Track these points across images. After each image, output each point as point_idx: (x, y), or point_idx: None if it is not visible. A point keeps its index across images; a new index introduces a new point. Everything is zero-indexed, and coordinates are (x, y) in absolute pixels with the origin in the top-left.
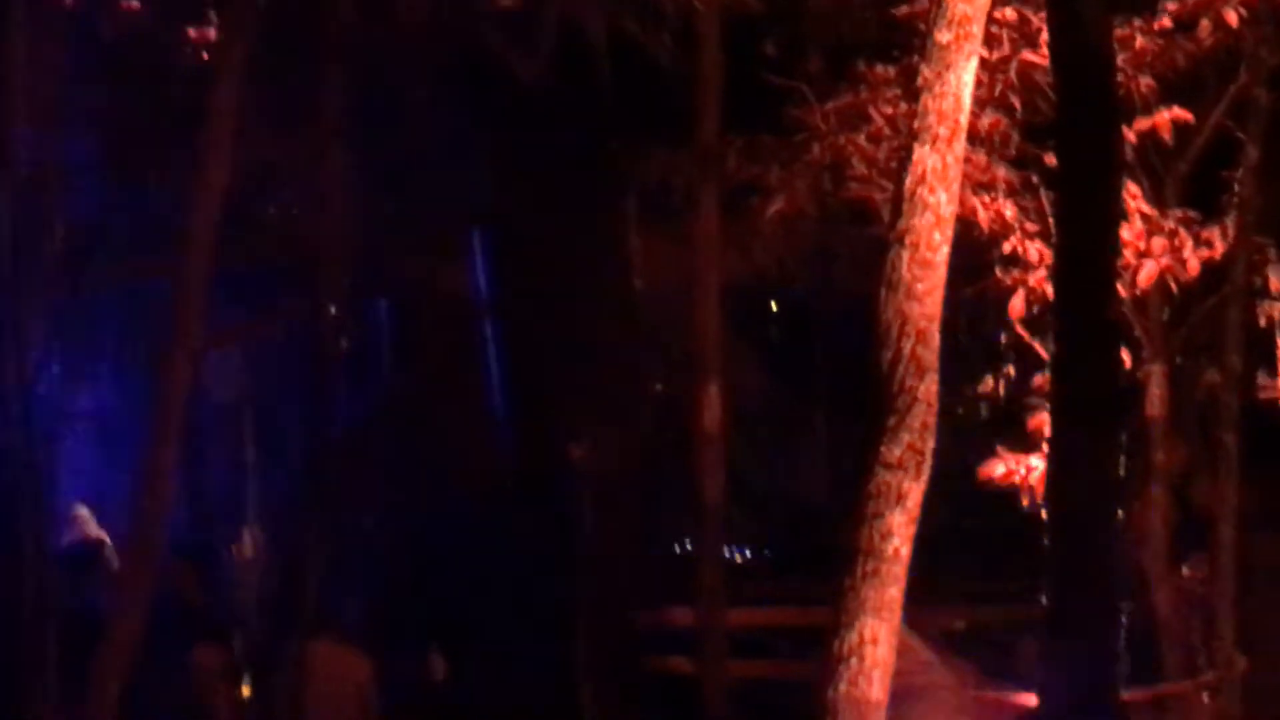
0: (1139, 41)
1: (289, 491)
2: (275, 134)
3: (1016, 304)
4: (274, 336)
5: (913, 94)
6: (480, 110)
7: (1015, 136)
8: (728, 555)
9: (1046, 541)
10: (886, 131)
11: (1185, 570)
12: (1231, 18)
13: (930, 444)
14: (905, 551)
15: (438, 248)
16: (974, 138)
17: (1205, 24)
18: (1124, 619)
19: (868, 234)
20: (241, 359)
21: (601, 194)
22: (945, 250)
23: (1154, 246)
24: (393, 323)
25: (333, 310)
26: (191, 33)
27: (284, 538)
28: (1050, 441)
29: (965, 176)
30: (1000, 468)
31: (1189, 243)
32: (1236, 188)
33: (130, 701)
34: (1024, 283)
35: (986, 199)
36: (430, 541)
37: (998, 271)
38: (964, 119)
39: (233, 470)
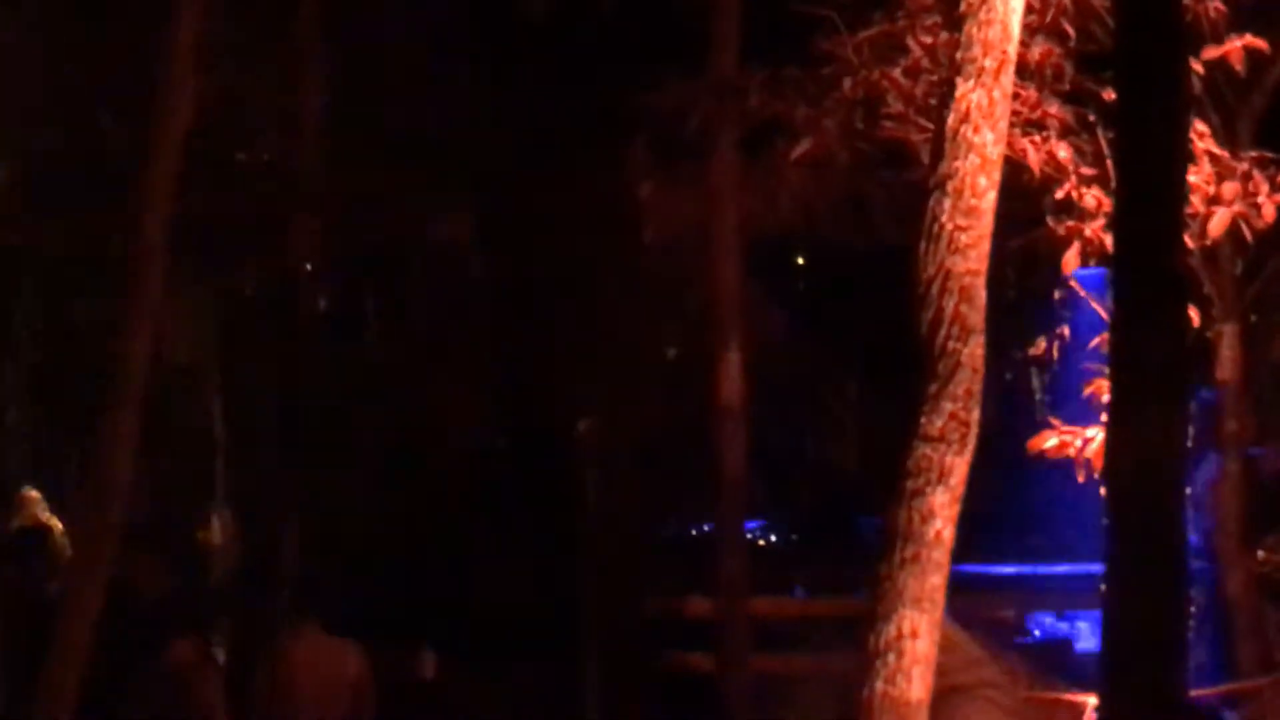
0: None
1: (261, 469)
2: (244, 67)
3: (1071, 257)
4: (243, 294)
5: (955, 22)
6: (472, 39)
7: (1069, 69)
8: (750, 538)
9: (1105, 521)
10: (926, 64)
11: (1261, 553)
12: None
13: (976, 414)
14: (948, 535)
15: (426, 195)
16: (1023, 70)
17: None
18: (1193, 608)
19: (905, 179)
20: (206, 319)
21: (606, 134)
22: (992, 197)
23: (1225, 191)
24: (376, 280)
25: (308, 266)
26: None
27: (257, 522)
28: (1110, 410)
29: (1014, 114)
30: (1053, 439)
31: (1264, 187)
32: None
33: (97, 709)
34: (1079, 233)
35: (1037, 139)
36: (420, 525)
37: (1050, 221)
38: (1012, 49)
39: (198, 445)
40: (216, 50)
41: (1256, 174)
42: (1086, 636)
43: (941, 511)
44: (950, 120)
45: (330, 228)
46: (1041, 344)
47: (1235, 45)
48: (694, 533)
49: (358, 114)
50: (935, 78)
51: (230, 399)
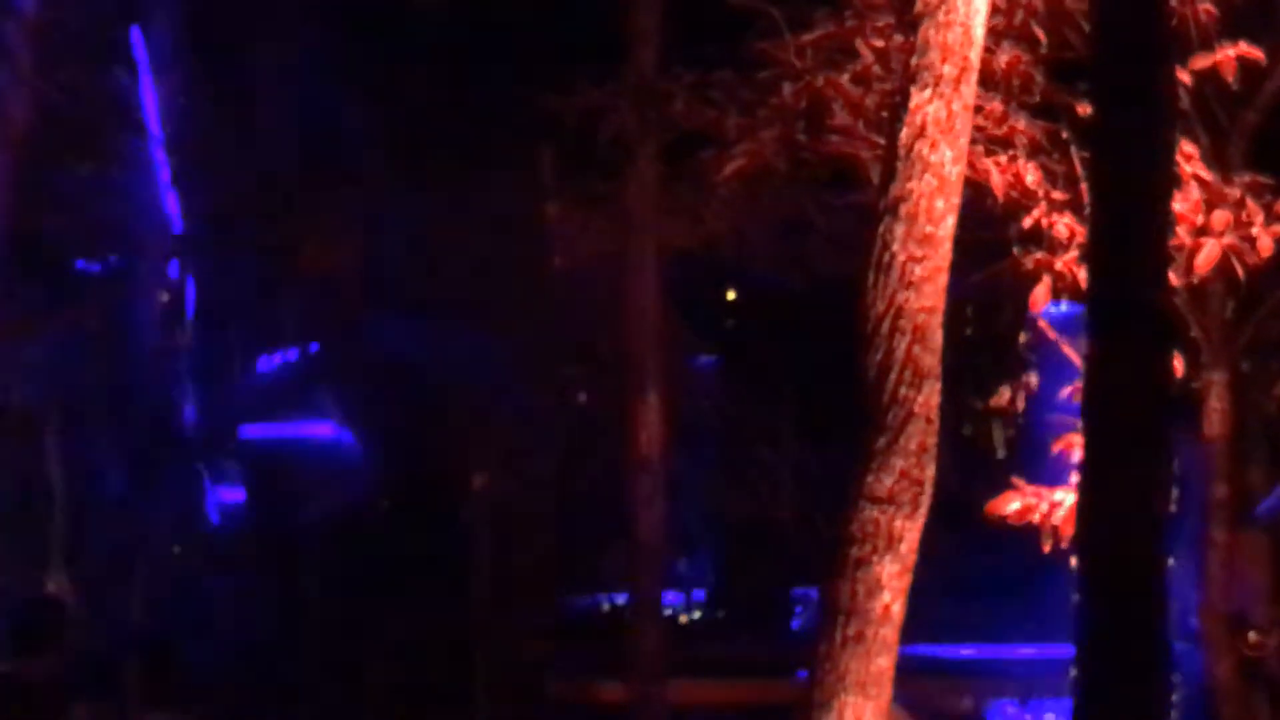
0: None
1: (108, 524)
2: (86, 64)
3: (1040, 294)
4: (86, 326)
5: (910, 24)
6: (355, 37)
7: (1040, 79)
8: (669, 612)
9: (1076, 597)
10: (877, 70)
11: (1252, 636)
12: None
13: (930, 471)
14: (898, 609)
15: (304, 212)
16: (987, 80)
17: None
18: (1175, 696)
19: (852, 201)
20: (43, 353)
21: (509, 145)
22: (950, 223)
23: (1215, 221)
24: (246, 305)
25: (165, 296)
26: None
27: (103, 584)
28: (1082, 470)
29: (976, 129)
30: (1016, 503)
31: (1259, 216)
32: None
33: None
34: (1050, 266)
35: (1003, 159)
36: (290, 591)
37: (1016, 252)
38: (975, 56)
39: (32, 495)
40: (60, 50)
41: (1250, 202)
42: None
43: (890, 583)
44: (904, 135)
45: (192, 247)
46: (1005, 393)
47: (1227, 54)
48: (605, 605)
49: (222, 116)
50: (888, 86)
51: (69, 441)
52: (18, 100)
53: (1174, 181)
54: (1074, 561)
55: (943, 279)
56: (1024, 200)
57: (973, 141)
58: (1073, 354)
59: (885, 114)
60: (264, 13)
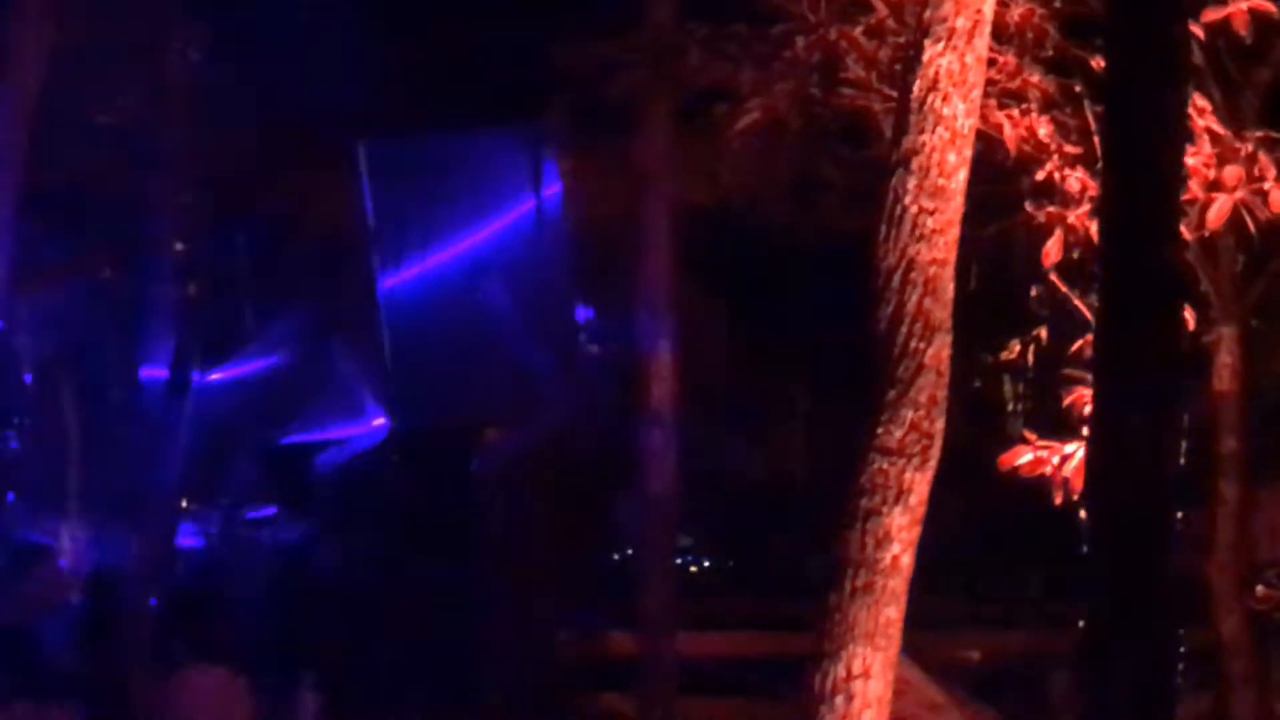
0: None
1: (121, 478)
2: (104, 15)
3: (1052, 248)
4: (102, 277)
5: None
6: None
7: (1053, 33)
8: (680, 564)
9: (1087, 550)
10: (891, 24)
11: (1260, 589)
12: None
13: (939, 424)
14: (907, 561)
15: (314, 164)
16: (1000, 33)
17: None
18: (1182, 649)
19: (865, 155)
20: (60, 306)
21: (520, 97)
22: (962, 176)
23: (1227, 176)
24: (256, 259)
25: (178, 246)
26: None
27: (114, 539)
28: (1092, 423)
29: (988, 83)
30: (1027, 455)
31: (1271, 172)
32: None
33: None
34: (1061, 220)
35: (1015, 112)
36: (304, 545)
37: (1028, 206)
38: (988, 9)
39: (49, 448)
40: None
41: (1262, 156)
42: None
43: (899, 535)
44: (916, 88)
45: (203, 198)
46: (1015, 347)
47: (1240, 6)
48: (617, 558)
49: (233, 68)
50: (901, 40)
51: (85, 394)
52: (33, 53)
53: (1186, 136)
54: (1084, 514)
55: (954, 232)
56: (1036, 154)
57: (985, 95)
58: (1084, 308)
59: (899, 67)
60: None
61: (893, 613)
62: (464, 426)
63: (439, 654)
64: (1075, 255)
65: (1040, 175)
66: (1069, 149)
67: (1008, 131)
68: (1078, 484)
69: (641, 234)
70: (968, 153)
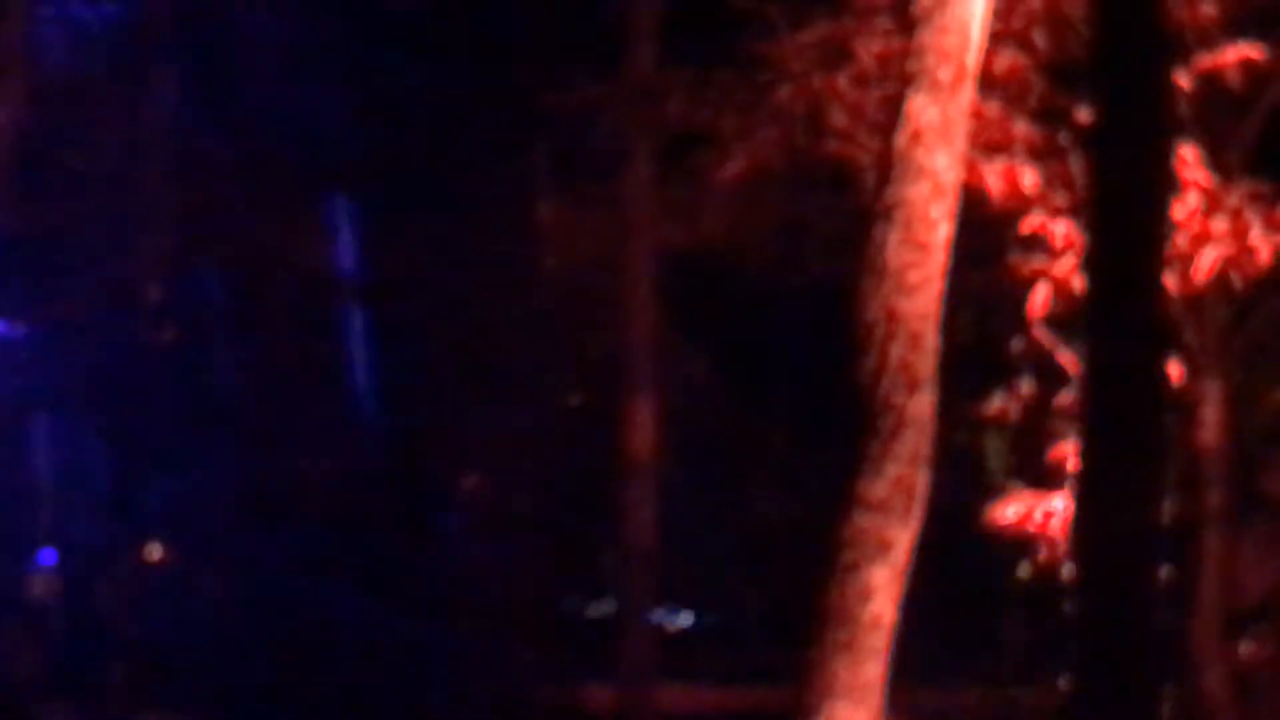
0: None
1: (91, 521)
2: (81, 56)
3: (1037, 300)
4: (75, 320)
5: (908, 26)
6: (343, 33)
7: (1039, 83)
8: (659, 618)
9: (1071, 606)
10: (875, 73)
11: (1243, 647)
12: None
13: (923, 478)
14: (889, 617)
15: (291, 211)
16: (985, 84)
17: None
18: (1165, 705)
19: (848, 204)
20: (31, 348)
21: (502, 143)
22: (945, 229)
23: (1213, 229)
24: (231, 305)
25: (153, 290)
26: None
27: (85, 580)
28: (1078, 478)
29: (973, 134)
30: (1012, 510)
31: (1257, 225)
32: None
33: None
34: (1047, 273)
35: (1000, 164)
36: (274, 590)
37: (1013, 258)
38: (972, 60)
39: (18, 491)
40: (49, 34)
41: (1249, 210)
42: None
43: (882, 590)
44: (899, 139)
45: (179, 244)
46: (1000, 400)
47: (1229, 56)
48: (594, 611)
49: (213, 117)
50: (886, 89)
51: (57, 436)
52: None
53: (1173, 187)
54: (1068, 570)
55: (938, 285)
56: (1021, 206)
57: (971, 145)
58: (1069, 361)
59: (882, 117)
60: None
61: (874, 669)
62: (442, 471)
63: (414, 703)
64: (1060, 308)
65: (1025, 227)
66: (1055, 200)
67: (992, 183)
68: (1063, 539)
69: (624, 280)
70: (952, 205)
